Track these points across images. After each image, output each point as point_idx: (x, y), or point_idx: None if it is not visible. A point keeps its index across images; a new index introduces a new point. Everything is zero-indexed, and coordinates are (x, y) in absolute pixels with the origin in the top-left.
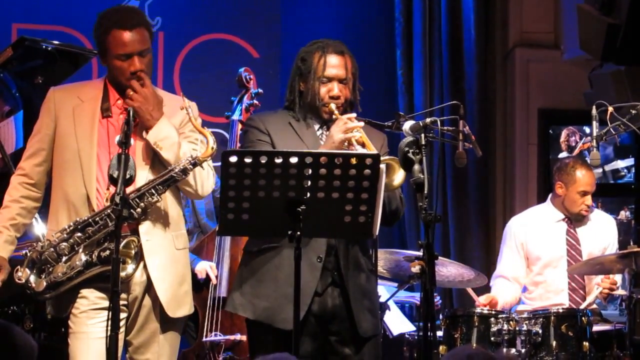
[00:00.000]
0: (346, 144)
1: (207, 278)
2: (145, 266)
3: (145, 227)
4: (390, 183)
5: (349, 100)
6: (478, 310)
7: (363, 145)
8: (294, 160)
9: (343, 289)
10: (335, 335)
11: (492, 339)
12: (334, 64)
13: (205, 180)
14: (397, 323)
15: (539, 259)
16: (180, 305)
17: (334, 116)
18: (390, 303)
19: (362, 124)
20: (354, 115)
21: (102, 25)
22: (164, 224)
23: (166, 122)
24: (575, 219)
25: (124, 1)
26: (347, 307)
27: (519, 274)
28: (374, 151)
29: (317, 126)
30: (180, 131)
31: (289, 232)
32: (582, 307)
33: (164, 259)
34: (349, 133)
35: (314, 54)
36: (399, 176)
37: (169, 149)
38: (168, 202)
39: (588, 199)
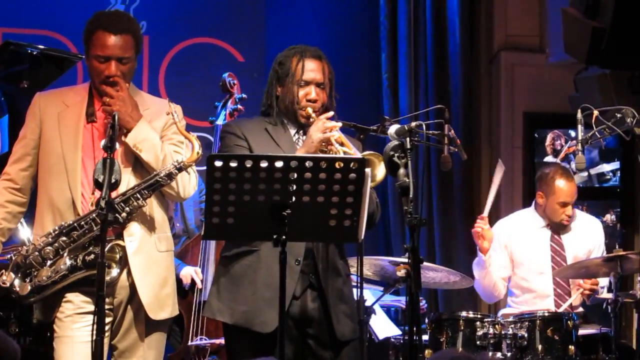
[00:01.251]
0: (324, 143)
1: (192, 282)
2: (129, 270)
3: (128, 230)
4: (373, 178)
5: (325, 104)
6: (463, 314)
7: (342, 144)
8: (279, 164)
9: (321, 292)
10: (313, 339)
11: (478, 342)
12: (312, 68)
13: (187, 184)
14: (383, 327)
15: (522, 264)
16: (162, 307)
17: (311, 119)
18: (376, 307)
19: (340, 124)
20: (330, 114)
21: (91, 23)
22: (148, 227)
23: (145, 124)
24: (555, 226)
25: (109, 5)
26: (325, 311)
27: (506, 275)
28: (353, 149)
29: (293, 131)
30: (163, 134)
31: (274, 236)
32: (563, 307)
33: (145, 260)
34: (327, 133)
35: (292, 58)
36: (381, 170)
37: (148, 151)
38: (153, 205)
39: (568, 210)
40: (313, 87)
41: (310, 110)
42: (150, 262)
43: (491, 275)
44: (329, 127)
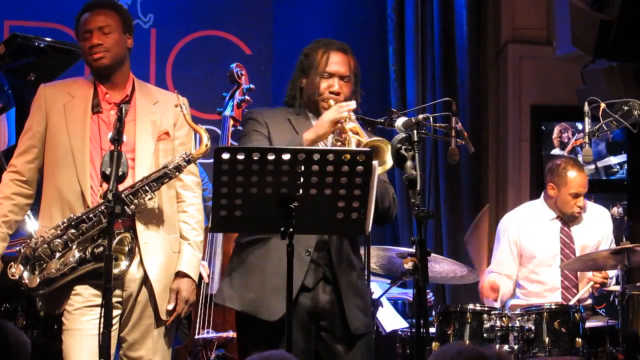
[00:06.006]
0: (339, 133)
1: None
2: (141, 262)
3: (144, 230)
4: (383, 165)
5: (348, 98)
6: (471, 306)
7: (357, 134)
8: (286, 156)
9: (335, 285)
10: (326, 332)
11: (485, 335)
12: (337, 61)
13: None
14: (390, 320)
15: (533, 257)
16: None
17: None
18: (383, 300)
19: (353, 111)
20: (353, 105)
21: (77, 15)
22: (162, 226)
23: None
24: (566, 218)
25: None
26: (339, 304)
27: (512, 272)
28: (366, 138)
29: (315, 122)
30: (176, 135)
31: (282, 229)
32: (573, 301)
33: (163, 261)
34: (340, 114)
35: (317, 50)
36: (390, 156)
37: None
38: (166, 204)
39: (580, 200)
40: (336, 80)
41: (332, 102)
42: (166, 263)
43: (503, 290)
44: (343, 112)
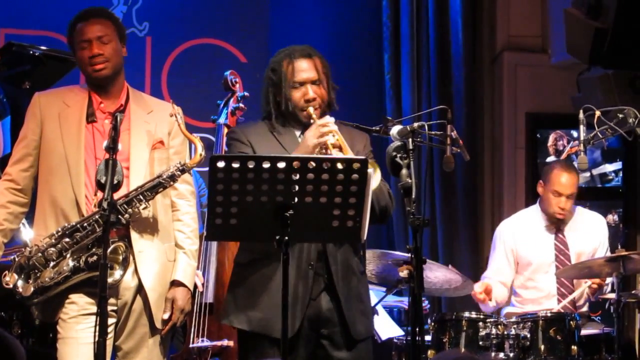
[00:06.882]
0: (321, 148)
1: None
2: (136, 271)
3: (138, 238)
4: None
5: (325, 100)
6: (466, 314)
7: (340, 148)
8: (281, 165)
9: (334, 292)
10: (328, 340)
11: (481, 343)
12: (304, 68)
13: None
14: (386, 327)
15: (529, 264)
16: None
17: (311, 120)
18: (379, 308)
19: (335, 127)
20: (331, 119)
21: (70, 24)
22: (157, 235)
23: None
24: (551, 221)
25: (111, 7)
26: (339, 311)
27: (507, 279)
28: (350, 154)
29: (298, 132)
30: (171, 144)
31: (277, 237)
32: (565, 301)
33: (157, 269)
34: (322, 137)
35: (282, 62)
36: (375, 179)
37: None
38: (160, 213)
39: (562, 202)
40: (309, 86)
41: (311, 109)
42: (161, 272)
43: (496, 304)
44: (325, 131)
